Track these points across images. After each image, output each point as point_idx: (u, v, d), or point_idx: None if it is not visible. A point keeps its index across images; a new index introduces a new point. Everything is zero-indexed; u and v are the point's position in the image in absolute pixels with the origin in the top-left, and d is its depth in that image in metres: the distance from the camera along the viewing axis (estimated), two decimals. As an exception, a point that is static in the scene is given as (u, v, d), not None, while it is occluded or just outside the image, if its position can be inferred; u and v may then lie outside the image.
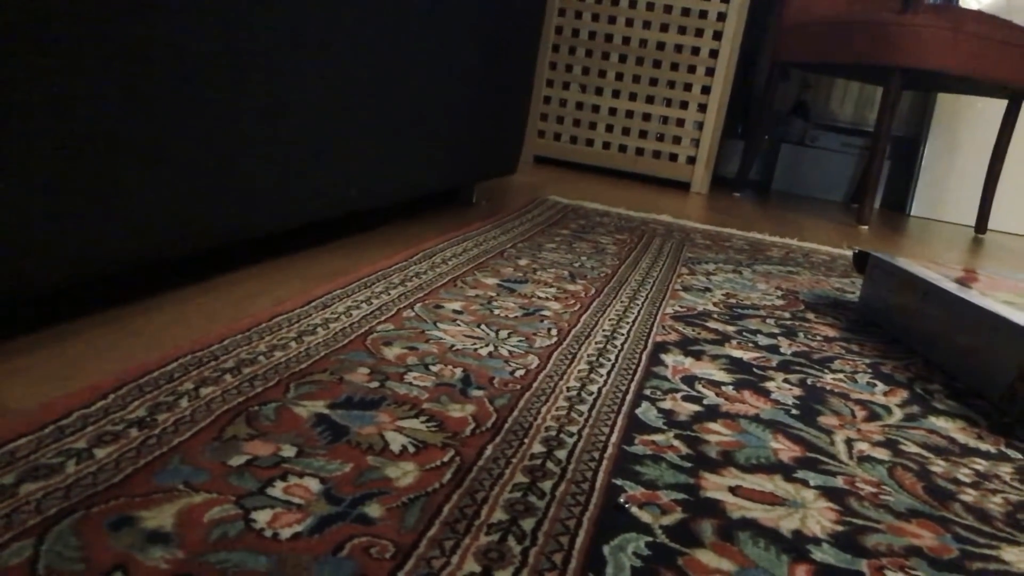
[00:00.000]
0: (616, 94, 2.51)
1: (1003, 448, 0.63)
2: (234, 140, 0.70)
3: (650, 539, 0.42)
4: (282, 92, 0.76)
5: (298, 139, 0.80)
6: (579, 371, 0.65)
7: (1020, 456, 0.62)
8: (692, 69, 2.44)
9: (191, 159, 0.65)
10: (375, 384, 0.56)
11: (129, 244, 0.61)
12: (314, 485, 0.42)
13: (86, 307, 0.64)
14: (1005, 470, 0.59)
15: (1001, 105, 2.53)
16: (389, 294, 0.79)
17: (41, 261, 0.53)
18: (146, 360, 0.54)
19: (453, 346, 0.67)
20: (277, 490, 0.41)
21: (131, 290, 0.70)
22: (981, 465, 0.59)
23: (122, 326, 0.62)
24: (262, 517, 0.38)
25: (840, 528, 0.46)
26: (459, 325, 0.73)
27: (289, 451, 0.45)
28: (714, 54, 2.42)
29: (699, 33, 2.42)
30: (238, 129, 0.71)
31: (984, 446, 0.63)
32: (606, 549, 0.40)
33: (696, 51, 2.43)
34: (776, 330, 0.89)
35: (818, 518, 0.47)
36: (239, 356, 0.57)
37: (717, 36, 2.41)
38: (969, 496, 0.53)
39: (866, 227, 2.20)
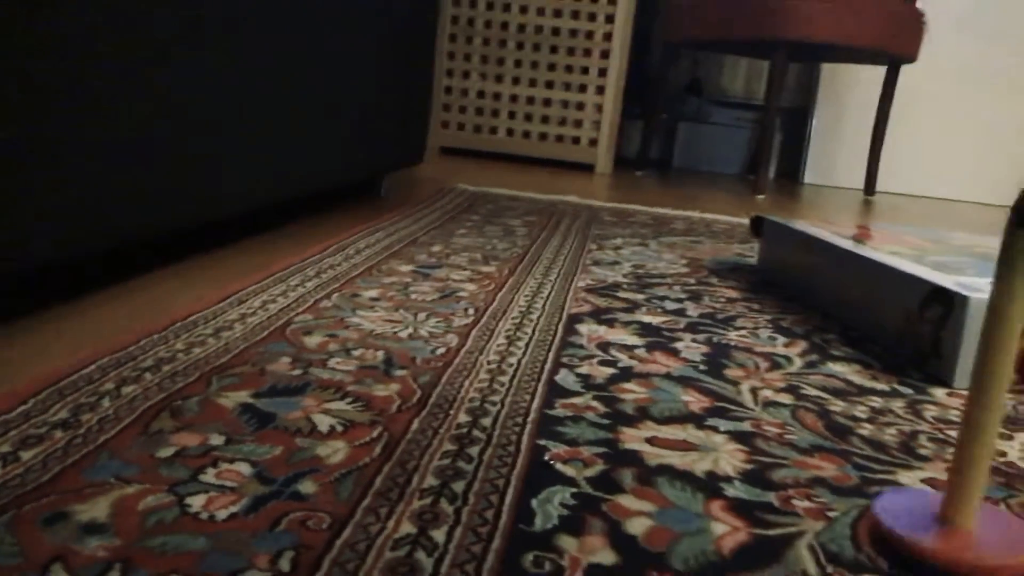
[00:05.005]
0: (516, 81, 2.54)
1: (896, 386, 0.68)
2: (130, 139, 0.70)
3: (575, 490, 0.44)
4: (180, 90, 0.75)
5: (199, 137, 0.80)
6: (498, 345, 0.67)
7: (911, 392, 0.67)
8: (588, 52, 2.49)
9: (85, 159, 0.64)
10: (298, 372, 0.57)
11: (17, 249, 0.60)
12: (245, 469, 0.43)
13: (-8, 319, 0.63)
14: (898, 405, 0.63)
15: (882, 72, 2.65)
16: (305, 286, 0.79)
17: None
18: (62, 365, 0.53)
19: (373, 331, 0.68)
20: (209, 476, 0.42)
21: (28, 297, 0.69)
22: (876, 402, 0.63)
23: (31, 334, 0.61)
24: (197, 501, 0.39)
25: (750, 466, 0.49)
26: (377, 311, 0.74)
27: (217, 439, 0.46)
28: (608, 37, 2.47)
29: (592, 17, 2.47)
30: (133, 127, 0.70)
31: (879, 385, 0.68)
32: (534, 502, 0.42)
33: (590, 35, 2.48)
34: (683, 295, 0.93)
35: (729, 459, 0.50)
36: (157, 355, 0.57)
37: (610, 19, 2.46)
38: (866, 430, 0.57)
39: (763, 196, 2.28)
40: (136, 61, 0.68)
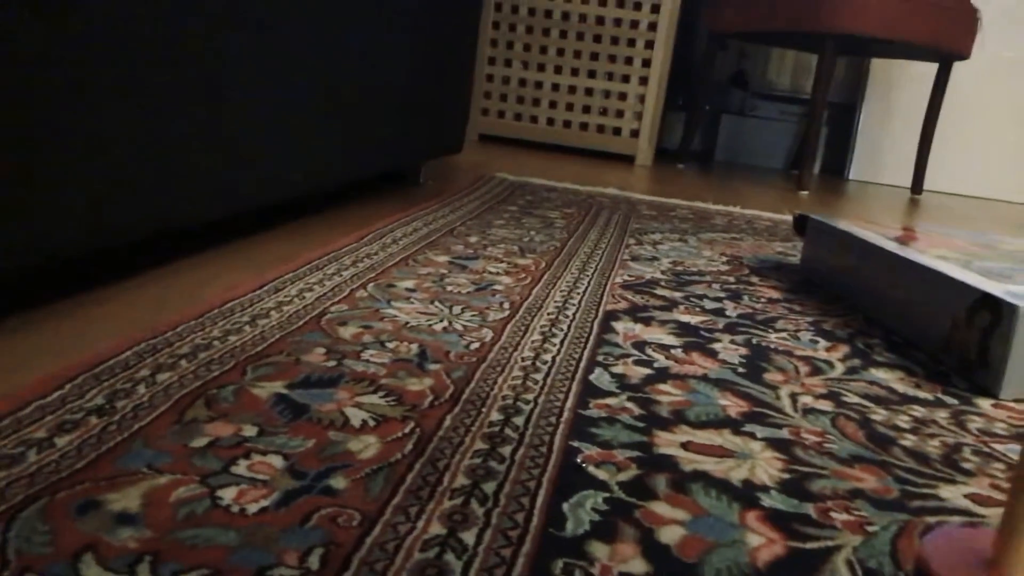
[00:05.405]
0: (558, 70, 2.52)
1: (940, 395, 0.66)
2: (173, 127, 0.70)
3: (607, 495, 0.43)
4: (220, 77, 0.75)
5: (239, 123, 0.80)
6: (533, 341, 0.67)
7: (956, 402, 0.65)
8: (632, 42, 2.46)
9: (129, 147, 0.65)
10: (332, 363, 0.57)
11: (67, 234, 0.60)
12: (277, 461, 0.43)
13: (32, 300, 0.64)
14: (942, 415, 0.62)
15: (933, 69, 2.59)
16: (341, 275, 0.79)
17: (-14, 255, 0.52)
18: (99, 350, 0.54)
19: (408, 323, 0.68)
20: (241, 468, 0.42)
21: (74, 282, 0.70)
22: (919, 412, 0.62)
23: (68, 319, 0.61)
24: (228, 494, 0.39)
25: (787, 476, 0.48)
26: (413, 302, 0.74)
27: (250, 431, 0.46)
28: (653, 27, 2.44)
29: (637, 6, 2.44)
30: (176, 115, 0.70)
31: (922, 394, 0.66)
32: (565, 506, 0.42)
33: (635, 24, 2.45)
34: (722, 294, 0.91)
35: (766, 467, 0.49)
36: (194, 342, 0.57)
37: (655, 8, 2.43)
38: (908, 441, 0.56)
39: (806, 192, 2.24)
40: (174, 52, 0.68)
